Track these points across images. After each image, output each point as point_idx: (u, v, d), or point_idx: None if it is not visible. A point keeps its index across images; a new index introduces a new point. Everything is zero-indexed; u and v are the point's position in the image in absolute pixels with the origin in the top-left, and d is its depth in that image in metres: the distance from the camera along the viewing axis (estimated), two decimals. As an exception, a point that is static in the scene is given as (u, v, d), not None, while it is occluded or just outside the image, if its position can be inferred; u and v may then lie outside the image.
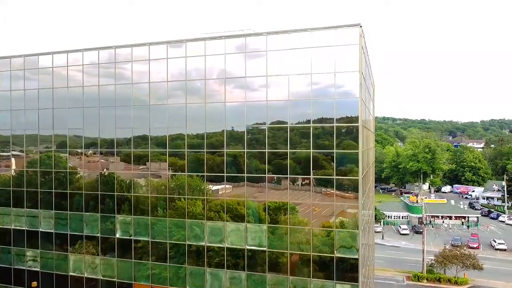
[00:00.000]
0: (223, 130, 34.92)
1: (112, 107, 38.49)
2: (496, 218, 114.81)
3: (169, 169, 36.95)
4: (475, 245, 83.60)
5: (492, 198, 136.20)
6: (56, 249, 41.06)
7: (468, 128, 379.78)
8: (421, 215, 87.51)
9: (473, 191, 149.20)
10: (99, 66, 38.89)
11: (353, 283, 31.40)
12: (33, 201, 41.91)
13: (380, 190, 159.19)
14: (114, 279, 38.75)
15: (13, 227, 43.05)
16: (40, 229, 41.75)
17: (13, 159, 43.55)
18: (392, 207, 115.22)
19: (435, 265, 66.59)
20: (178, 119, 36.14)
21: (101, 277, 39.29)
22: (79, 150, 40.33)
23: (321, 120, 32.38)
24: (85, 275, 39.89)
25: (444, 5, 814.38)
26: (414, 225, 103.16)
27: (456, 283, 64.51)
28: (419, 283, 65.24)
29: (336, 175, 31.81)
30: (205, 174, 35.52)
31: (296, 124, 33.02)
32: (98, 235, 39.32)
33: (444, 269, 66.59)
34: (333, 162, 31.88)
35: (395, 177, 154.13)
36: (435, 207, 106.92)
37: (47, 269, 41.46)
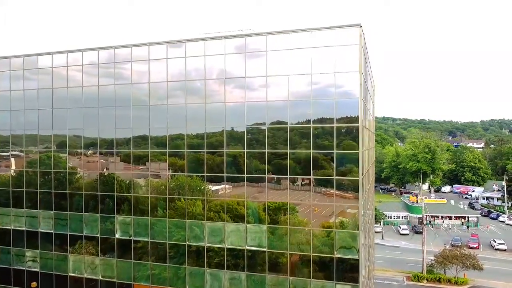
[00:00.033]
0: (223, 130, 34.86)
1: (112, 107, 38.44)
2: (496, 218, 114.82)
3: (169, 169, 36.89)
4: (475, 245, 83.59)
5: (492, 198, 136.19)
6: (56, 249, 40.99)
7: (468, 128, 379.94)
8: (421, 215, 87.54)
9: (473, 191, 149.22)
10: (99, 66, 38.83)
11: (353, 284, 31.35)
12: (33, 201, 41.85)
13: (380, 190, 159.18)
14: (114, 280, 38.69)
15: (12, 227, 42.99)
16: (40, 230, 41.69)
17: (12, 159, 43.49)
18: (392, 207, 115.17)
19: (435, 265, 66.57)
20: (178, 119, 36.09)
21: (100, 278, 39.23)
22: (79, 150, 40.28)
23: (321, 120, 32.33)
24: (85, 275, 39.83)
25: (444, 5, 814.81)
26: (414, 225, 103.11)
27: (456, 283, 64.47)
28: (419, 283, 65.20)
29: (336, 175, 31.76)
30: (205, 174, 35.47)
31: (296, 124, 32.97)
32: (98, 235, 39.26)
33: (444, 269, 66.56)
34: (333, 162, 31.83)
35: (395, 177, 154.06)
36: (435, 207, 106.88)
37: (46, 269, 41.39)
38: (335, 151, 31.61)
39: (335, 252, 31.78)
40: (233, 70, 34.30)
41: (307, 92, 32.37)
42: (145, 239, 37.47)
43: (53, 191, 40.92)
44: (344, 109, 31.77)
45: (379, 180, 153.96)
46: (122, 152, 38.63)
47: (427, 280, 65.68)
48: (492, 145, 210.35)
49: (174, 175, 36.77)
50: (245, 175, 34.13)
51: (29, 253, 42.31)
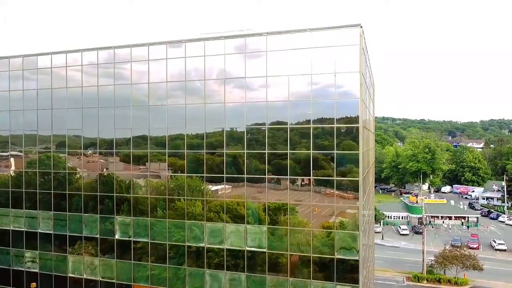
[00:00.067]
0: (222, 130, 34.79)
1: (112, 108, 38.36)
2: (496, 219, 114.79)
3: (168, 169, 36.81)
4: (475, 246, 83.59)
5: (492, 198, 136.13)
6: (55, 250, 40.90)
7: (467, 128, 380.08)
8: (421, 216, 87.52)
9: (473, 191, 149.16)
10: (98, 66, 38.76)
11: (354, 285, 31.26)
12: (32, 201, 41.76)
13: (380, 190, 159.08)
14: (114, 280, 38.61)
15: (12, 228, 42.89)
16: (39, 230, 41.60)
17: (12, 160, 43.40)
18: (392, 207, 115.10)
19: (435, 266, 66.54)
20: (178, 119, 36.02)
21: (100, 278, 39.14)
22: (78, 151, 40.19)
23: (321, 121, 32.26)
24: (84, 276, 39.74)
25: (444, 5, 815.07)
26: (414, 226, 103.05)
27: (456, 283, 64.42)
28: (419, 284, 65.14)
29: (336, 175, 31.69)
30: (204, 174, 35.39)
31: (296, 124, 32.90)
32: (97, 236, 39.17)
33: (444, 270, 66.51)
34: (333, 163, 31.76)
35: (394, 177, 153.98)
36: (435, 207, 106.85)
37: (46, 270, 41.29)
38: (335, 151, 31.54)
39: (335, 253, 31.70)
40: (233, 70, 34.24)
41: (307, 92, 32.30)
42: (145, 240, 37.39)
43: (52, 191, 40.82)
44: (344, 109, 31.70)
45: (379, 180, 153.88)
46: (122, 153, 38.55)
47: (427, 280, 65.63)
48: (492, 145, 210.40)
49: (174, 175, 36.69)
50: (245, 175, 34.06)
51: (28, 254, 42.22)
